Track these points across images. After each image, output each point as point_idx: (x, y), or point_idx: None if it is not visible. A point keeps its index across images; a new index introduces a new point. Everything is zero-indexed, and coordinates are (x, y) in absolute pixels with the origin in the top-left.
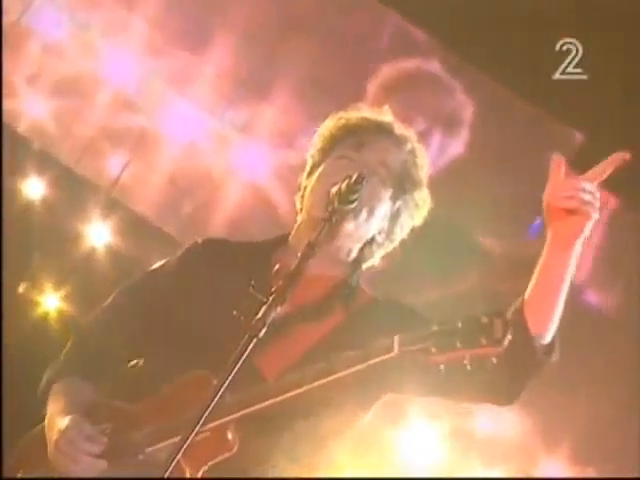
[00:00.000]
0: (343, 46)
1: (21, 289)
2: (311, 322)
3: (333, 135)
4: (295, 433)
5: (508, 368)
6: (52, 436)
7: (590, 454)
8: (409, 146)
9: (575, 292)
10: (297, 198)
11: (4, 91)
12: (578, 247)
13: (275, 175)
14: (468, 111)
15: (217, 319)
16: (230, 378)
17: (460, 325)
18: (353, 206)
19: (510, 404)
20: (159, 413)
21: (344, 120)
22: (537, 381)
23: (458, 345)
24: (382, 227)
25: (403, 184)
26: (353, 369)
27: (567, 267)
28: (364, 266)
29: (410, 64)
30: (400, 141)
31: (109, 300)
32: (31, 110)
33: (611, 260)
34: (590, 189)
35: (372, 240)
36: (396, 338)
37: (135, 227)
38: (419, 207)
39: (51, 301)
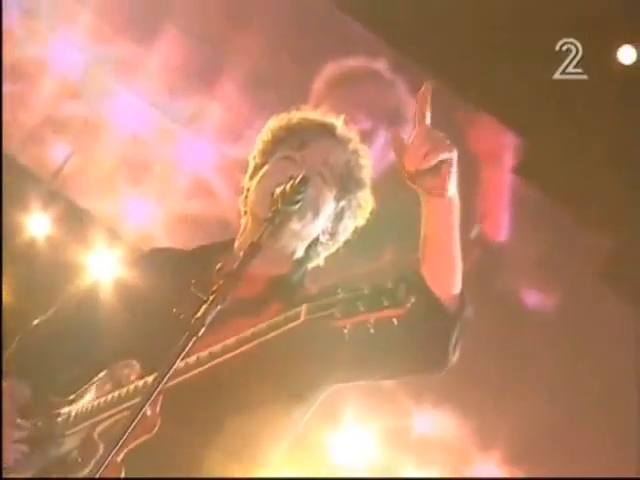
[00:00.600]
0: (290, 43)
1: None
2: (246, 317)
3: (275, 136)
4: (225, 425)
5: (419, 328)
6: None
7: (523, 455)
8: (352, 146)
9: (514, 294)
10: (240, 201)
11: None
12: (452, 187)
13: (219, 169)
14: (411, 109)
15: (157, 317)
16: (168, 375)
17: (366, 291)
18: (297, 207)
19: (439, 368)
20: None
21: (285, 121)
22: (472, 382)
23: (361, 309)
24: (326, 227)
25: (346, 184)
26: (262, 339)
27: (450, 212)
28: (309, 266)
29: (356, 62)
30: (343, 141)
31: (56, 307)
32: None
33: (549, 262)
34: (432, 134)
35: (316, 240)
36: (304, 306)
37: (76, 218)
38: (362, 207)
39: None
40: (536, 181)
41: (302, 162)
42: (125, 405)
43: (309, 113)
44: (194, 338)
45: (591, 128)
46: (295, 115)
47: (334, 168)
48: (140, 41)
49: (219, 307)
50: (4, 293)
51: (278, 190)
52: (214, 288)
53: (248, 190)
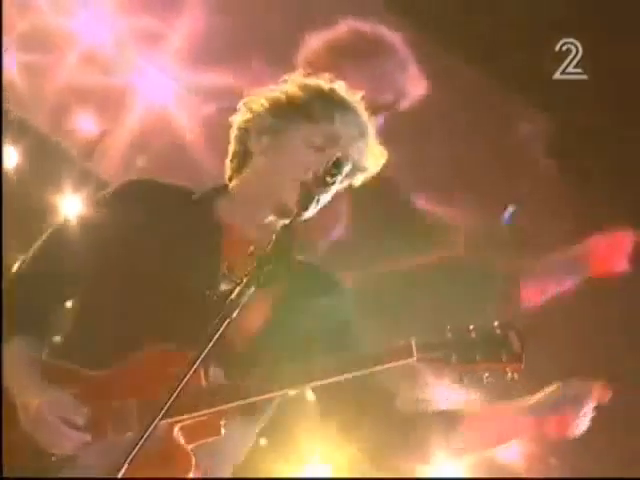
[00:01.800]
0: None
1: None
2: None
3: (305, 108)
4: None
5: None
6: (28, 404)
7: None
8: (369, 140)
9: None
10: (235, 138)
11: None
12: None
13: None
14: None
15: (179, 287)
16: (201, 358)
17: (474, 335)
18: (330, 190)
19: None
20: (136, 384)
21: (318, 93)
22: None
23: (477, 358)
24: None
25: (353, 172)
26: (367, 370)
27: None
28: None
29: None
30: (364, 132)
31: (41, 242)
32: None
33: None
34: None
35: None
36: (413, 343)
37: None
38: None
39: None
40: None
41: (329, 155)
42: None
43: (338, 87)
44: (228, 319)
45: None
46: (327, 88)
47: (351, 159)
48: (164, 15)
49: (253, 289)
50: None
51: (311, 173)
52: (247, 271)
53: (243, 129)
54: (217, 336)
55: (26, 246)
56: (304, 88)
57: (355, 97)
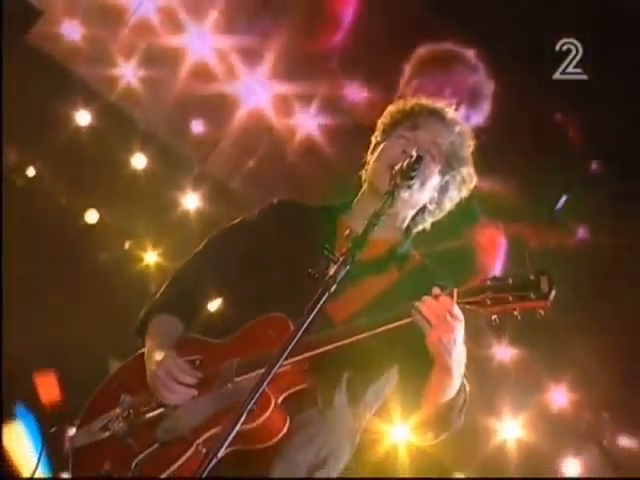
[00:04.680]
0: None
1: (127, 246)
2: (371, 276)
3: (393, 118)
4: (355, 373)
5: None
6: (151, 366)
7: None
8: (458, 129)
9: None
10: (362, 172)
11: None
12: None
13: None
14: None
15: (294, 273)
16: (306, 325)
17: (511, 281)
18: (412, 182)
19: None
20: (243, 347)
21: (402, 105)
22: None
23: (510, 299)
24: (433, 197)
25: (451, 161)
26: (410, 319)
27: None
28: (415, 231)
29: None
30: (450, 124)
31: (199, 248)
32: (124, 78)
33: None
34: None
35: (424, 208)
36: (455, 291)
37: (220, 194)
38: (465, 182)
39: (151, 257)
40: None
41: (414, 141)
42: (288, 361)
43: (423, 99)
44: (327, 293)
45: None
46: (411, 101)
47: (441, 147)
48: (260, 33)
49: (348, 267)
50: (160, 258)
51: (397, 167)
52: (343, 251)
53: (368, 163)
54: (318, 307)
55: (153, 236)
56: (396, 106)
57: (440, 103)
